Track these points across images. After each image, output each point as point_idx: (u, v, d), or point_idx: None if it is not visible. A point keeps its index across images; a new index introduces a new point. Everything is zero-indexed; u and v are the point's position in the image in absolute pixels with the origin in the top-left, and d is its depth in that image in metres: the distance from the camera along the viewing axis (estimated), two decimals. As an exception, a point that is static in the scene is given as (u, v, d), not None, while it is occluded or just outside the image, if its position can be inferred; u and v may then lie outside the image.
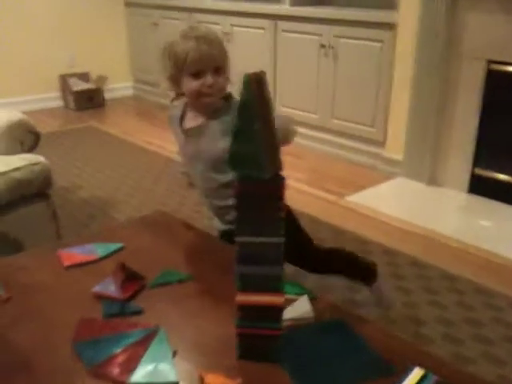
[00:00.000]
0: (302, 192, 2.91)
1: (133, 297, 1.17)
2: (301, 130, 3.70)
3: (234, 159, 0.79)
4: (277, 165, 0.81)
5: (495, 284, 2.07)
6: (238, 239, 0.84)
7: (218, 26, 4.07)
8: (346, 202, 2.81)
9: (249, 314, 0.88)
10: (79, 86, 4.67)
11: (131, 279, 1.20)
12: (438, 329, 1.80)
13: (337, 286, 2.04)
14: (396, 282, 2.07)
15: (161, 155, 3.52)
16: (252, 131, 0.76)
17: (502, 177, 2.77)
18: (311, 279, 2.07)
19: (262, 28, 3.72)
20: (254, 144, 0.77)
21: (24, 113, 2.26)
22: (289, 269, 1.89)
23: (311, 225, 2.53)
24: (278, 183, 0.81)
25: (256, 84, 0.76)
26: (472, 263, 2.24)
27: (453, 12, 2.71)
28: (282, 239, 0.83)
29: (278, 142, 0.81)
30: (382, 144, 3.24)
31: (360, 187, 3.00)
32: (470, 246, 2.36)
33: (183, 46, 1.35)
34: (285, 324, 0.95)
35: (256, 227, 0.83)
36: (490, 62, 2.67)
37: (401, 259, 2.25)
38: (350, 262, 1.72)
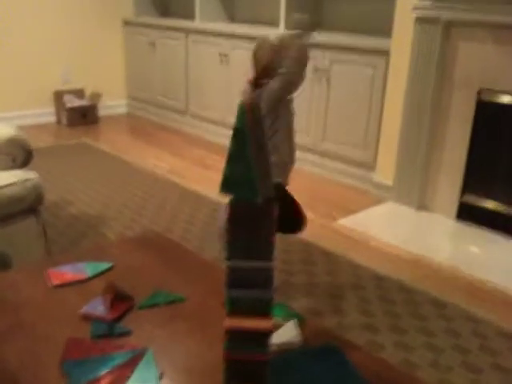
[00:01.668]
0: (292, 214, 2.91)
1: (121, 317, 1.16)
2: (293, 152, 3.73)
3: (227, 183, 0.80)
4: (269, 190, 0.82)
5: (483, 311, 2.08)
6: (229, 263, 0.85)
7: (215, 48, 4.12)
8: (336, 225, 2.83)
9: (237, 338, 0.88)
10: (73, 102, 4.68)
11: (120, 300, 1.20)
12: (426, 355, 1.80)
13: (325, 310, 2.04)
14: (385, 307, 2.08)
15: (153, 173, 3.53)
16: (245, 156, 0.77)
17: (489, 204, 2.80)
18: (299, 302, 2.07)
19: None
20: (247, 169, 0.78)
21: (17, 128, 2.26)
22: (277, 292, 1.90)
23: (301, 247, 2.54)
24: (269, 208, 0.82)
25: (250, 111, 0.77)
26: (461, 290, 2.25)
27: (446, 40, 2.77)
28: (272, 263, 0.84)
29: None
30: (372, 168, 3.27)
31: (351, 211, 3.02)
32: (459, 272, 2.38)
33: None
34: (272, 348, 0.95)
35: (247, 251, 0.83)
36: (481, 91, 2.72)
37: (390, 284, 2.25)
38: None
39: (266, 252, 0.83)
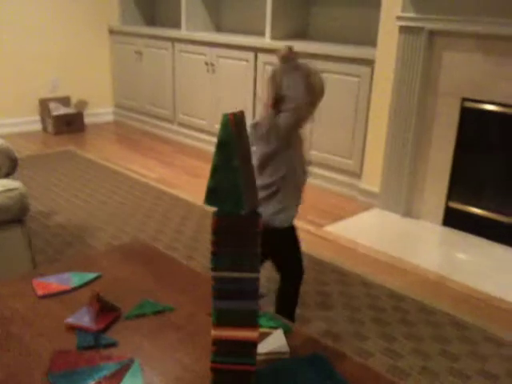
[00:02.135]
0: (280, 222, 2.92)
1: (107, 328, 1.16)
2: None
3: (212, 195, 0.80)
4: (254, 201, 0.83)
5: (471, 317, 2.10)
6: (215, 274, 0.85)
7: (201, 57, 4.14)
8: (324, 232, 2.84)
9: (223, 348, 0.88)
10: (59, 110, 4.66)
11: (106, 310, 1.19)
12: (414, 362, 1.81)
13: (313, 318, 2.04)
14: (373, 314, 2.08)
15: (139, 181, 3.52)
16: (230, 168, 0.77)
17: (475, 210, 2.83)
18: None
19: (246, 60, 3.79)
20: (231, 181, 0.78)
21: (2, 136, 2.25)
22: (265, 301, 1.90)
23: (289, 255, 2.54)
24: (255, 219, 0.82)
25: (234, 123, 0.78)
26: (448, 296, 2.26)
27: (430, 50, 2.80)
28: (258, 274, 0.84)
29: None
30: (359, 176, 3.29)
31: (338, 217, 3.03)
32: (447, 279, 2.39)
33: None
34: (259, 359, 0.95)
35: (233, 262, 0.84)
36: (465, 99, 2.76)
37: (378, 291, 2.26)
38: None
39: (252, 263, 0.83)
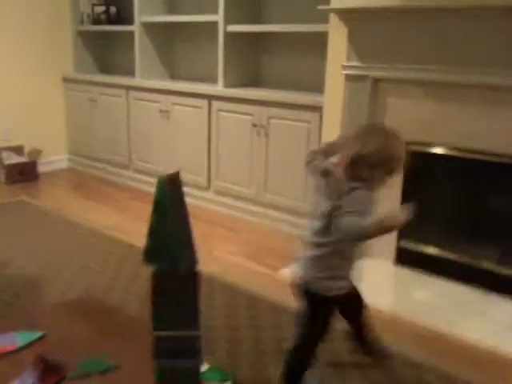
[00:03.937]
0: (236, 265, 2.92)
1: (52, 390, 1.13)
2: (235, 203, 3.78)
3: (150, 254, 0.82)
4: (192, 260, 0.84)
5: (426, 357, 2.12)
6: (155, 333, 0.85)
7: (156, 104, 4.18)
8: (281, 275, 2.85)
9: (166, 408, 0.88)
10: (12, 159, 4.59)
11: (50, 371, 1.16)
12: (368, 405, 1.82)
13: (270, 364, 2.03)
14: (330, 358, 2.09)
15: (94, 230, 3.47)
16: (166, 229, 0.79)
17: (425, 249, 2.91)
18: (245, 357, 2.05)
19: (200, 107, 3.86)
20: (168, 241, 0.80)
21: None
22: (222, 348, 1.87)
23: (247, 301, 2.54)
24: (193, 278, 0.84)
25: (170, 184, 0.80)
26: (404, 336, 2.29)
27: (375, 96, 2.92)
28: (198, 332, 0.85)
29: None
30: (314, 218, 3.34)
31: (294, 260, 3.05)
32: (401, 318, 2.43)
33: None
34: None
35: (173, 321, 0.84)
36: (411, 143, 2.87)
37: (333, 333, 2.27)
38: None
39: (192, 321, 0.84)
